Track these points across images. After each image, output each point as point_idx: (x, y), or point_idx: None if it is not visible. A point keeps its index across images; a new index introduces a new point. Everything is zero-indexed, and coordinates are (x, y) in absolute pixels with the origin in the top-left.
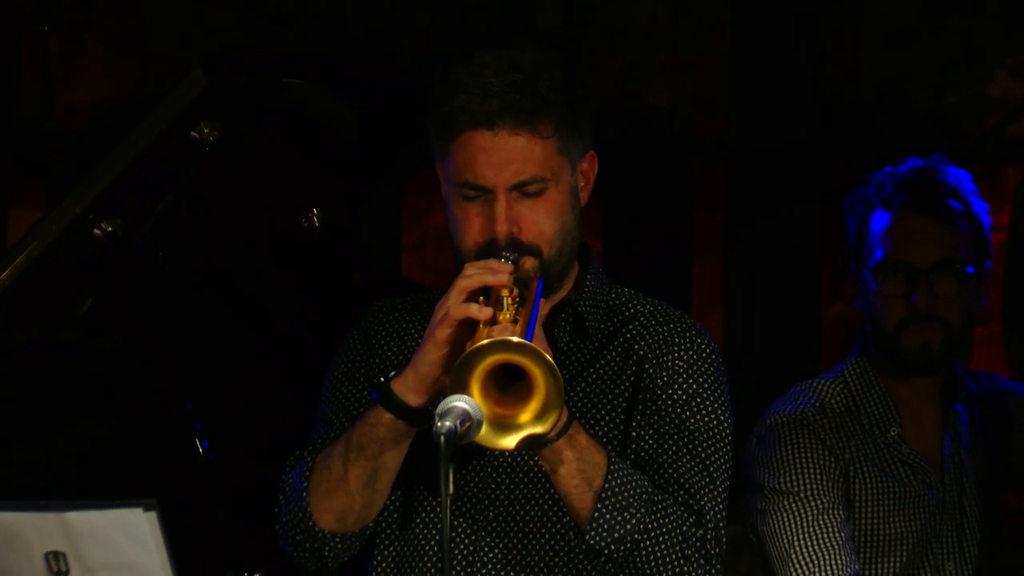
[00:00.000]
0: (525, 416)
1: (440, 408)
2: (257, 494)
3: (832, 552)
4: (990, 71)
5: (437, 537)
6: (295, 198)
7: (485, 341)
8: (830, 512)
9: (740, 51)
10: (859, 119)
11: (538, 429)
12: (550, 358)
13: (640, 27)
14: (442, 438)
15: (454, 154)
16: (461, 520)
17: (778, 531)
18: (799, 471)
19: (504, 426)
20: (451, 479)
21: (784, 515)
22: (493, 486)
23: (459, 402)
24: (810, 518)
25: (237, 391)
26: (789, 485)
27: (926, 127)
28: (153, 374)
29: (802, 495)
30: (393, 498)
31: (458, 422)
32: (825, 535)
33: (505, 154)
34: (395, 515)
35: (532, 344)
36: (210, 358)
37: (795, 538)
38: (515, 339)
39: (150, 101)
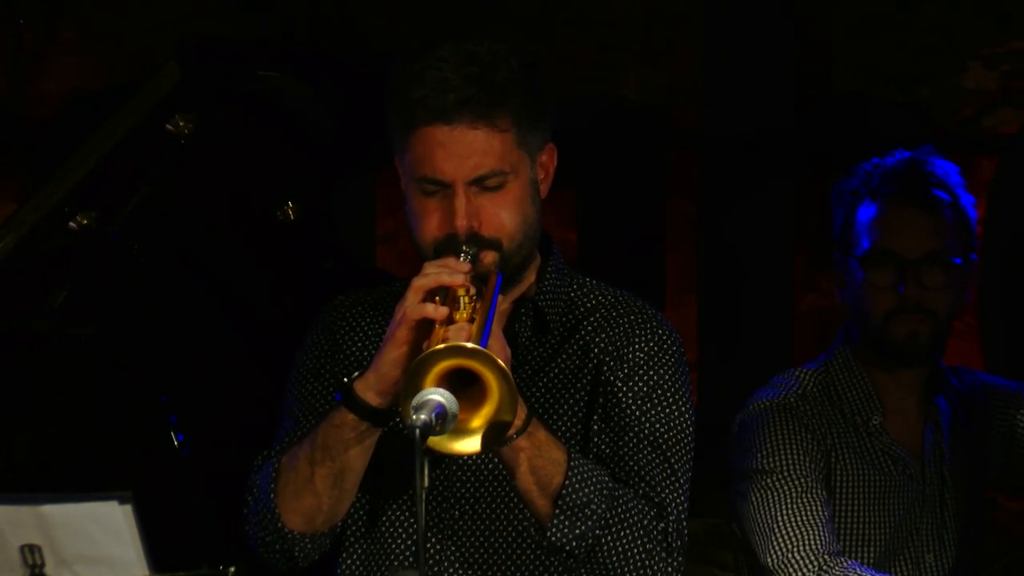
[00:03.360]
0: (478, 421)
1: (415, 401)
2: (233, 487)
3: (816, 529)
4: (964, 62)
5: (404, 535)
6: (270, 190)
7: (440, 346)
8: (813, 491)
9: (713, 40)
10: (833, 109)
11: (492, 434)
12: (502, 363)
13: (613, 16)
14: (417, 431)
15: (412, 148)
16: (426, 520)
17: (760, 509)
18: (782, 451)
19: (457, 431)
20: (426, 472)
21: (767, 493)
22: (458, 485)
23: (434, 395)
24: (793, 495)
25: (213, 383)
26: (772, 465)
27: (901, 118)
28: (128, 366)
29: (785, 474)
30: (360, 496)
31: (433, 415)
32: (809, 512)
33: (463, 148)
34: (362, 513)
35: (484, 350)
36: (186, 351)
37: (778, 515)
38: (468, 345)
39: (124, 91)
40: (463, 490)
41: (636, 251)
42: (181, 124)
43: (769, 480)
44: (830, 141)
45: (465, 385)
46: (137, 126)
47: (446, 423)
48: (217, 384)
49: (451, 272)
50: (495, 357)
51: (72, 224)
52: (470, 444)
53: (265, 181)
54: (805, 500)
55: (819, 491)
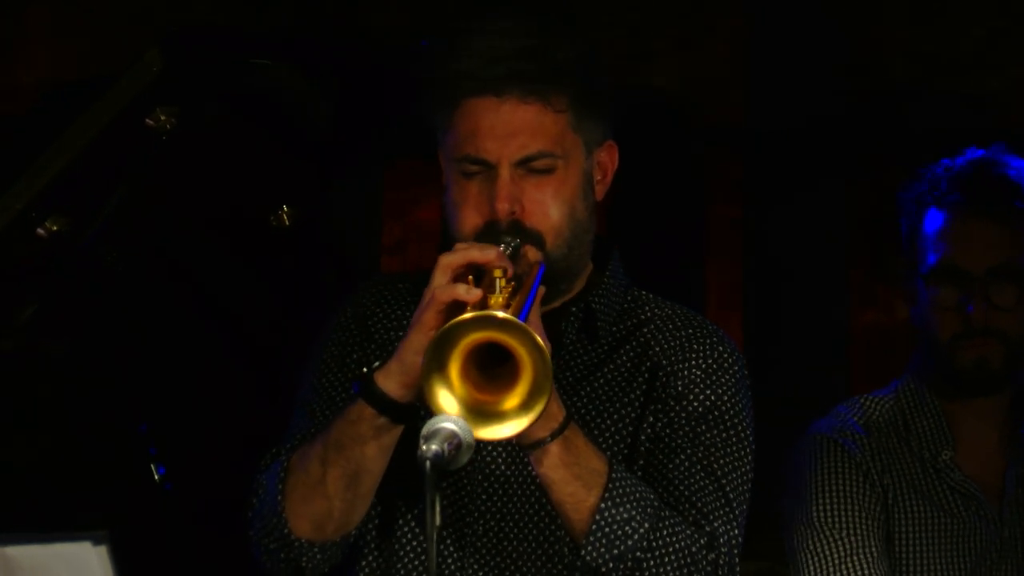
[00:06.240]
0: (509, 403)
1: (425, 430)
2: (220, 523)
3: None
4: None
5: (420, 548)
6: (263, 192)
7: (467, 315)
8: (864, 550)
9: (758, 26)
10: (891, 102)
11: (524, 420)
12: (540, 338)
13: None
14: (428, 463)
15: (455, 126)
16: (446, 534)
17: (807, 571)
18: (831, 503)
19: (484, 414)
20: (438, 509)
21: (813, 555)
22: (484, 497)
23: (446, 423)
24: (842, 555)
25: (201, 410)
26: (819, 519)
27: (967, 112)
28: (103, 391)
29: (833, 530)
30: (375, 503)
31: (446, 445)
32: (857, 574)
33: (511, 125)
34: (375, 522)
35: (518, 321)
36: (169, 373)
37: None
38: (499, 314)
39: (101, 84)
40: (488, 503)
41: (673, 260)
42: (162, 119)
43: (814, 539)
44: (888, 137)
45: (495, 367)
46: (114, 121)
47: (460, 453)
48: (206, 411)
49: (482, 248)
50: (530, 330)
51: (41, 231)
52: (498, 431)
53: (257, 182)
54: (853, 562)
55: (871, 548)
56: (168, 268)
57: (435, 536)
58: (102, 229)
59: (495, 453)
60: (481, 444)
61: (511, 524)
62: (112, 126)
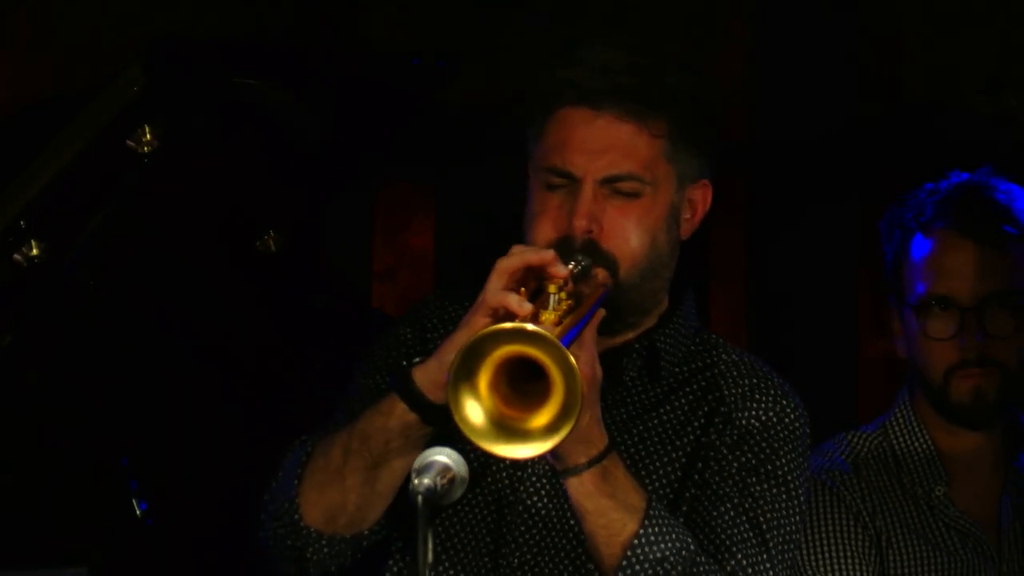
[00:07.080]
0: (535, 422)
1: (417, 463)
2: (207, 560)
3: None
4: None
5: (446, 563)
6: (249, 216)
7: (499, 325)
8: None
9: (765, 38)
10: (905, 119)
11: (547, 442)
12: (571, 358)
13: (647, 9)
14: (420, 498)
15: (546, 135)
16: (481, 564)
17: None
18: (821, 551)
19: (508, 430)
20: (430, 546)
21: None
22: (523, 529)
23: (439, 456)
24: None
25: (185, 441)
26: (810, 567)
27: (984, 130)
28: (83, 422)
29: None
30: (402, 514)
31: (438, 479)
32: None
33: (603, 141)
34: (403, 532)
35: (551, 336)
36: (151, 403)
37: None
38: (530, 327)
39: (78, 100)
40: (526, 535)
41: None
42: (144, 139)
43: None
44: (902, 156)
45: (528, 384)
46: (93, 141)
47: (454, 487)
48: (190, 442)
49: (539, 251)
50: (562, 348)
51: (17, 256)
52: (518, 450)
53: (243, 205)
54: None
55: None
56: (151, 294)
57: (428, 574)
58: (82, 254)
59: (538, 485)
60: (525, 475)
61: (547, 559)
62: (91, 147)
